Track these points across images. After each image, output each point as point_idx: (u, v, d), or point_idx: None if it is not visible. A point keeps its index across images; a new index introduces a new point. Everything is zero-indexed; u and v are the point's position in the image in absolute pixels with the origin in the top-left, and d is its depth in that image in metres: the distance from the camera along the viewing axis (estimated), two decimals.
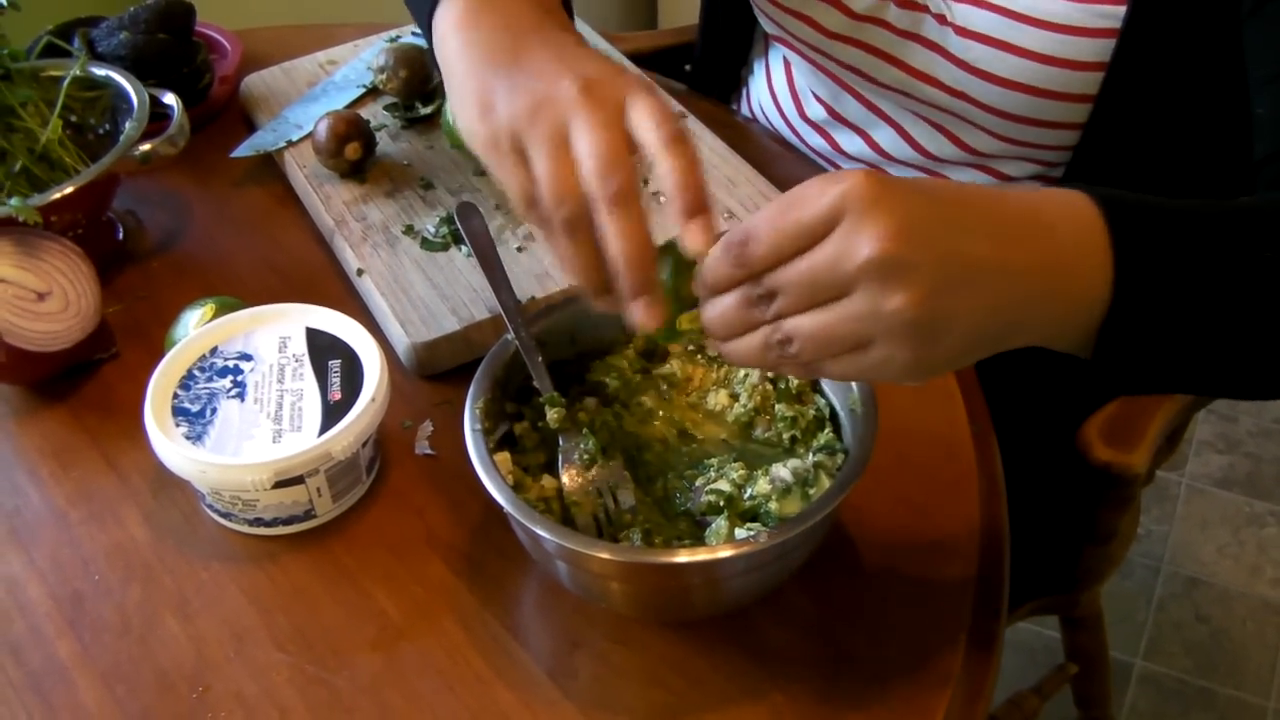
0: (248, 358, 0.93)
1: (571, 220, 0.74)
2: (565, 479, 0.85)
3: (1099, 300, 0.70)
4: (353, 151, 1.15)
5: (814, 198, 0.66)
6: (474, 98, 0.81)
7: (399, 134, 1.23)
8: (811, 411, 0.87)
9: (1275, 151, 0.87)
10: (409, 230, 1.11)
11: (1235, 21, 0.92)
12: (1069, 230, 0.70)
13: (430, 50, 0.90)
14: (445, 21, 0.87)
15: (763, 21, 1.22)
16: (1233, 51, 0.93)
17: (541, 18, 0.85)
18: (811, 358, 0.68)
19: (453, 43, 0.85)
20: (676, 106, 1.23)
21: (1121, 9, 0.98)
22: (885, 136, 1.20)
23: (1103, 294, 0.69)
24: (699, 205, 0.72)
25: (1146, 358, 0.72)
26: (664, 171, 0.73)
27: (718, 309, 0.70)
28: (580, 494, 0.84)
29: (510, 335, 0.88)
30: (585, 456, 0.85)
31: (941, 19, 1.06)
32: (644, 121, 0.74)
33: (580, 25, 1.36)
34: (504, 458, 0.84)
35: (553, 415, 0.86)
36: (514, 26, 0.84)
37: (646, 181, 1.12)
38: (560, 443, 0.86)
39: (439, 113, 1.23)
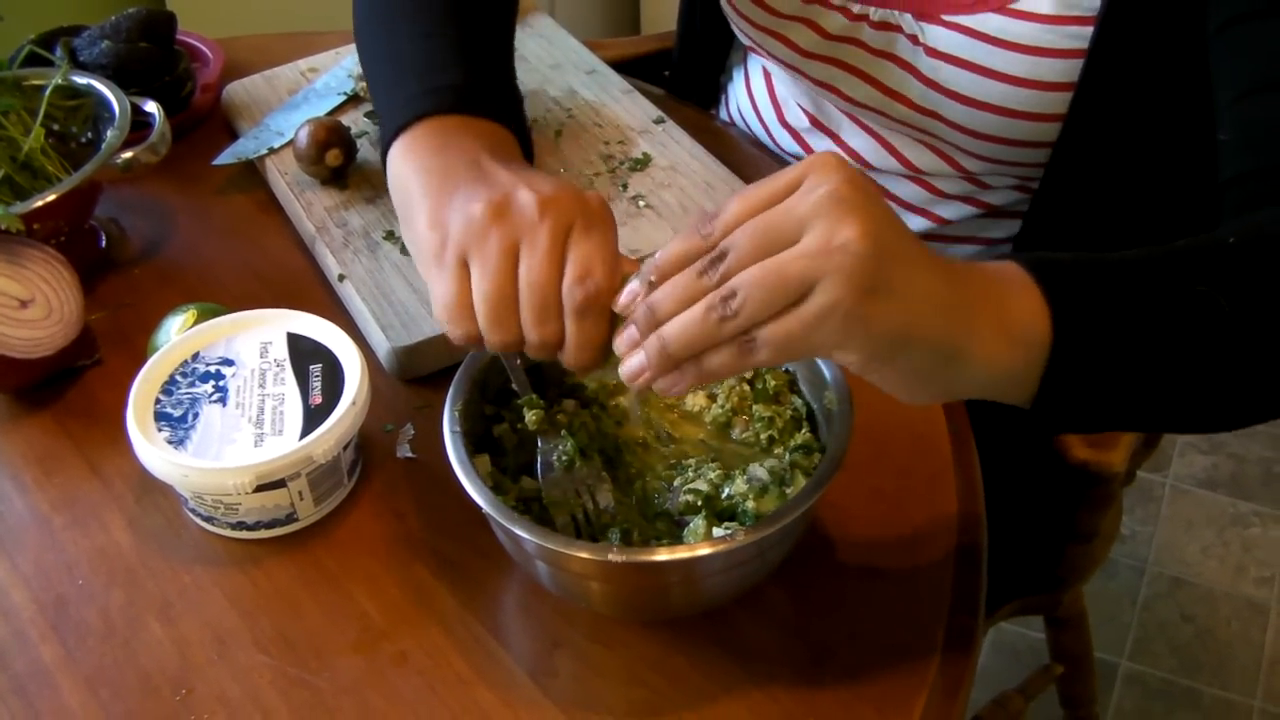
0: (229, 363, 0.94)
1: (506, 345, 0.78)
2: (544, 480, 0.86)
3: (1038, 344, 0.70)
4: (334, 158, 1.16)
5: (781, 173, 0.68)
6: (427, 215, 0.83)
7: (379, 140, 1.24)
8: (789, 412, 0.88)
9: (1240, 174, 0.88)
10: (389, 236, 1.12)
11: (1202, 40, 0.93)
12: (1005, 282, 0.72)
13: (385, 175, 0.92)
14: (405, 151, 0.90)
15: (740, 38, 1.23)
16: (1200, 69, 0.94)
17: (504, 154, 0.88)
18: (751, 314, 0.65)
19: (409, 167, 0.88)
20: (655, 113, 1.24)
21: (1089, 30, 0.98)
22: (865, 145, 1.21)
23: (1042, 337, 0.70)
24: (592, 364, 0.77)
25: (1089, 401, 0.73)
26: (566, 333, 0.76)
27: (668, 287, 0.69)
28: (559, 495, 0.85)
29: None
30: (564, 458, 0.86)
31: (914, 39, 1.07)
32: (570, 270, 0.76)
33: (560, 32, 1.37)
34: (483, 460, 0.84)
35: (531, 417, 0.86)
36: (476, 159, 0.86)
37: (626, 186, 1.14)
38: (539, 444, 0.87)
39: None
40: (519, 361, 0.87)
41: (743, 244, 0.66)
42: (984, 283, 0.71)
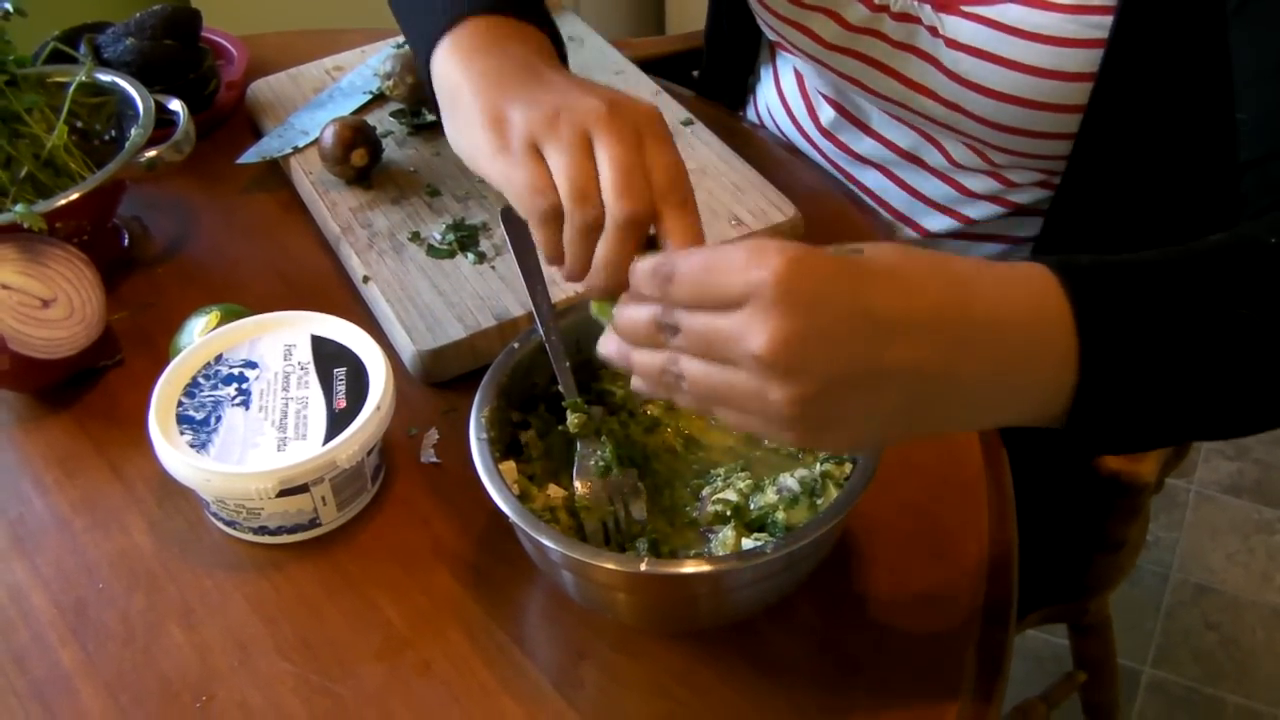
0: (253, 365, 0.93)
1: (589, 224, 0.77)
2: (579, 485, 0.85)
3: (1064, 388, 0.68)
4: (359, 158, 1.15)
5: (737, 271, 0.64)
6: (485, 114, 0.82)
7: (405, 140, 1.23)
8: None
9: (1260, 156, 0.86)
10: (415, 237, 1.11)
11: (1222, 26, 0.92)
12: (1030, 329, 0.68)
13: (429, 84, 0.91)
14: (452, 54, 0.88)
15: (765, 30, 1.22)
16: (1220, 55, 0.92)
17: (551, 58, 0.88)
18: (698, 404, 0.68)
19: (461, 71, 0.87)
20: (683, 115, 1.23)
21: (1109, 19, 0.97)
22: (900, 135, 1.20)
23: (1068, 382, 0.68)
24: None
25: (1118, 430, 0.72)
26: (666, 228, 0.76)
27: (630, 315, 0.70)
28: (592, 500, 0.84)
29: (519, 340, 0.87)
30: (601, 464, 0.85)
31: (934, 31, 1.06)
32: (654, 164, 0.77)
33: (588, 31, 1.36)
34: (509, 467, 0.83)
35: (574, 420, 0.85)
36: (528, 61, 0.86)
37: None
38: (579, 447, 0.86)
39: None
40: (568, 364, 0.86)
41: (691, 337, 0.66)
42: (1000, 357, 0.67)
